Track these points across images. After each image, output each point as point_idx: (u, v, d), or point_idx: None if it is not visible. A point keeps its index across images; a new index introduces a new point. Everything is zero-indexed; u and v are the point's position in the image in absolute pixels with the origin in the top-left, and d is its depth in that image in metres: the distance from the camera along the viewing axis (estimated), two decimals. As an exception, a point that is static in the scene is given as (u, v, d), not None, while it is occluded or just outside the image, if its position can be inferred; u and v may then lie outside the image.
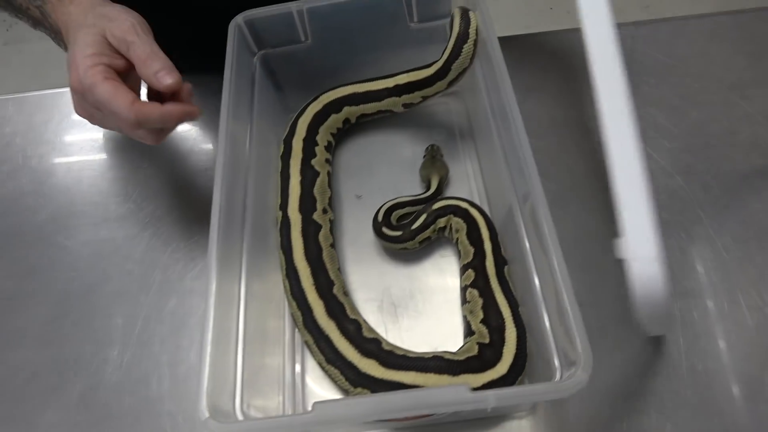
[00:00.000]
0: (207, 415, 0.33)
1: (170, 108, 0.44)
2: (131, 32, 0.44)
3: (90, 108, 0.45)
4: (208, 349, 0.35)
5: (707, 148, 0.54)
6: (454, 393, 0.32)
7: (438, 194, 0.53)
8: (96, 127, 0.49)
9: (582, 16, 0.41)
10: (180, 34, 0.56)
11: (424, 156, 0.55)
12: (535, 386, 0.33)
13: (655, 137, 0.55)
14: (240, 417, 0.36)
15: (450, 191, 0.54)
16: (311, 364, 0.46)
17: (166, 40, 0.46)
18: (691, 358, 0.44)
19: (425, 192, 0.53)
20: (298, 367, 0.46)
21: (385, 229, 0.50)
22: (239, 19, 0.52)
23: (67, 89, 0.46)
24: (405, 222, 0.50)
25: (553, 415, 0.42)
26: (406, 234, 0.49)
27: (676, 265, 0.48)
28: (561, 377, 0.33)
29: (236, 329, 0.41)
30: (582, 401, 0.43)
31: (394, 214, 0.51)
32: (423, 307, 0.49)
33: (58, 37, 0.51)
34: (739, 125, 0.55)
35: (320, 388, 0.45)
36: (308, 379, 0.46)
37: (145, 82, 0.45)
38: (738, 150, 0.53)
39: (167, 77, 0.43)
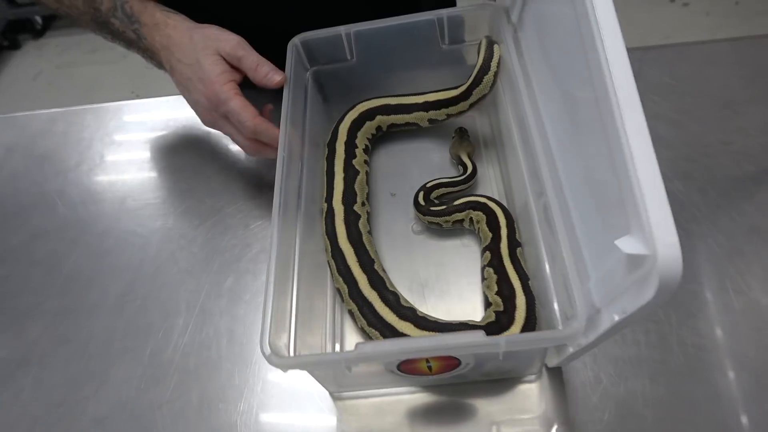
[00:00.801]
0: (269, 351, 0.40)
1: (276, 130, 0.55)
2: (239, 48, 0.56)
3: (218, 117, 0.57)
4: (270, 304, 0.43)
5: (704, 157, 0.61)
6: (471, 336, 0.39)
7: (470, 172, 0.60)
8: (161, 133, 0.59)
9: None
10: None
11: (453, 137, 0.64)
12: (538, 333, 0.39)
13: (657, 147, 0.61)
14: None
15: (475, 191, 0.62)
16: (349, 338, 0.54)
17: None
18: (682, 334, 0.50)
19: (460, 175, 0.61)
20: (337, 346, 0.54)
21: (425, 205, 0.58)
22: (296, 40, 0.61)
23: (130, 102, 0.56)
24: (443, 203, 0.58)
25: (557, 378, 0.49)
26: (446, 209, 0.57)
27: (672, 255, 0.54)
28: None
29: (291, 298, 0.48)
30: (584, 367, 0.49)
31: (434, 192, 0.60)
32: (447, 288, 0.56)
33: (153, 58, 0.61)
34: (732, 137, 0.61)
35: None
36: (346, 346, 0.53)
37: (258, 84, 0.57)
38: (731, 158, 0.60)
39: (276, 76, 0.56)
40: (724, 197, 0.58)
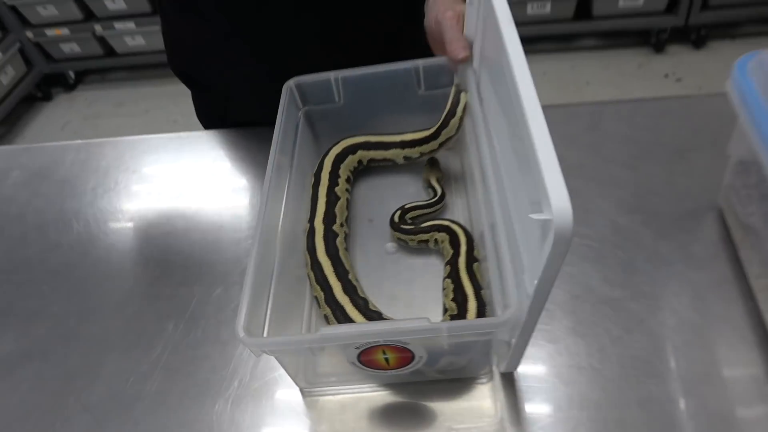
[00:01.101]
0: (242, 334, 0.46)
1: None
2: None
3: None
4: (248, 293, 0.49)
5: (651, 195, 0.67)
6: (417, 323, 0.44)
7: (439, 195, 0.68)
8: (172, 165, 0.66)
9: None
10: (246, 91, 0.75)
11: (425, 165, 0.72)
12: (476, 320, 0.45)
13: (610, 185, 0.69)
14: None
15: (445, 215, 0.69)
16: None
17: (241, 91, 0.64)
18: (620, 346, 0.55)
19: (431, 198, 0.68)
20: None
21: (398, 222, 0.66)
22: (291, 82, 0.70)
23: (145, 137, 0.64)
24: (413, 224, 0.66)
25: (507, 379, 0.54)
26: (413, 229, 0.65)
27: (617, 277, 0.60)
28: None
29: (268, 295, 0.54)
30: (532, 373, 0.54)
31: (409, 213, 0.67)
32: (413, 300, 0.62)
33: None
34: (677, 178, 0.68)
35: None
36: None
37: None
38: (675, 197, 0.67)
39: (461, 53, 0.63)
40: (665, 229, 0.64)
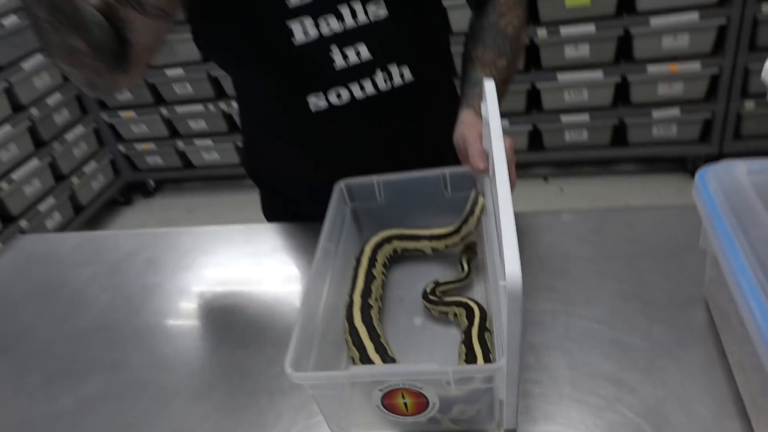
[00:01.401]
0: (289, 369, 0.58)
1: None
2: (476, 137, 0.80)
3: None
4: (295, 339, 0.61)
5: (646, 286, 0.77)
6: (426, 367, 0.55)
7: (465, 274, 0.80)
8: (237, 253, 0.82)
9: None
10: (304, 192, 0.92)
11: (466, 245, 0.85)
12: (476, 366, 0.55)
13: (611, 278, 0.79)
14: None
15: (470, 291, 0.81)
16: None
17: (300, 192, 0.81)
18: (614, 400, 0.63)
19: (459, 275, 0.81)
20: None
21: (428, 295, 0.78)
22: (342, 183, 0.86)
23: (221, 228, 0.80)
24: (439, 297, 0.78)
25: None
26: (437, 301, 0.77)
27: (613, 353, 0.69)
28: (496, 372, 0.56)
29: (310, 352, 0.66)
30: (533, 426, 0.62)
31: (440, 287, 0.79)
32: (435, 357, 0.72)
33: None
34: (670, 274, 0.78)
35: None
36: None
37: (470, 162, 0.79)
38: (667, 289, 0.76)
39: (481, 165, 0.76)
40: (658, 316, 0.73)
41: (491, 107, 0.71)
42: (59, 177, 2.87)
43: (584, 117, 2.56)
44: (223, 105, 2.87)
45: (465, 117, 0.86)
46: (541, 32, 2.39)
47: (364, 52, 0.88)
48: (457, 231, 0.82)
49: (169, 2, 0.80)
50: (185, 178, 3.25)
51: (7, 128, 2.57)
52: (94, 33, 0.75)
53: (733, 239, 0.54)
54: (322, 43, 0.86)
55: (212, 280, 0.95)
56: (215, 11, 0.86)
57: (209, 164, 3.09)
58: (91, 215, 2.97)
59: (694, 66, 2.34)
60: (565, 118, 2.58)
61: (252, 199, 1.17)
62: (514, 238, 0.46)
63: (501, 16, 0.94)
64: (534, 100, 2.61)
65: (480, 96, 0.86)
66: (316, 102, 0.90)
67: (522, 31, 0.96)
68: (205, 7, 0.86)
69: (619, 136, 2.62)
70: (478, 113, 0.84)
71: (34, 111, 2.71)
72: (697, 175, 0.64)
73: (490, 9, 0.95)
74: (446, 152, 0.89)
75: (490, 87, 0.74)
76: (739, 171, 0.61)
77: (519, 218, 0.91)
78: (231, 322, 0.85)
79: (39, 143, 2.77)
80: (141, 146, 3.08)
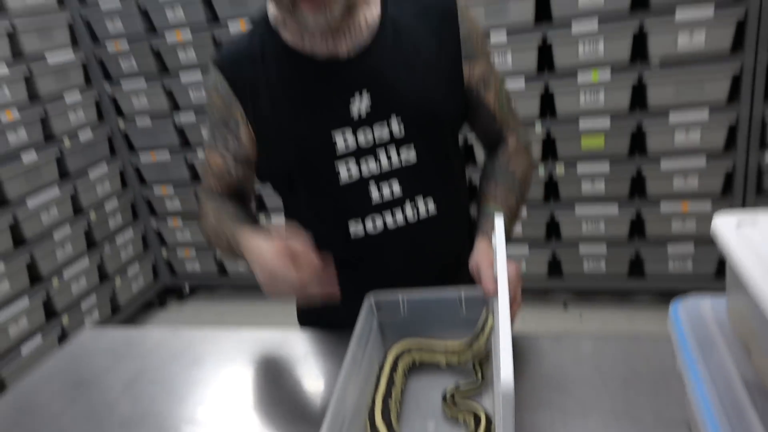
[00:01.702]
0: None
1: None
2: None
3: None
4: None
5: (637, 407, 0.86)
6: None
7: (480, 381, 0.90)
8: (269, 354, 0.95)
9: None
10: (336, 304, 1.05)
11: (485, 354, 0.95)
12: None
13: (606, 397, 0.89)
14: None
15: (483, 398, 0.90)
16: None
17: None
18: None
19: (475, 380, 0.91)
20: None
21: (446, 396, 0.88)
22: (371, 296, 1.00)
23: (257, 331, 0.94)
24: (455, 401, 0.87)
25: None
26: (451, 406, 0.87)
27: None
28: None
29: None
30: None
31: (457, 391, 0.89)
32: (443, 467, 0.80)
33: None
34: (660, 397, 0.87)
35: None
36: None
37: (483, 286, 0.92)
38: (657, 411, 0.85)
39: (491, 289, 0.90)
40: (640, 425, 0.81)
41: (499, 239, 0.86)
42: (104, 277, 3.07)
43: (602, 248, 2.69)
44: (261, 218, 3.10)
45: (480, 245, 1.00)
46: (560, 168, 2.60)
47: (396, 188, 1.05)
48: (467, 347, 0.94)
49: (251, 153, 1.10)
50: (218, 284, 3.42)
51: (66, 229, 2.82)
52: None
53: (696, 364, 0.65)
54: (363, 181, 1.04)
55: (250, 381, 1.07)
56: (278, 154, 1.06)
57: (242, 273, 3.27)
58: (127, 315, 3.12)
59: (705, 206, 2.49)
60: (584, 249, 2.71)
61: (278, 308, 1.30)
62: (509, 348, 0.58)
63: (509, 159, 1.13)
64: (553, 228, 2.77)
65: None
66: (355, 230, 1.06)
67: (529, 175, 1.15)
68: (270, 150, 1.06)
69: (637, 267, 2.73)
70: (491, 242, 0.99)
71: (92, 214, 2.97)
72: (671, 307, 0.76)
73: (500, 152, 1.15)
74: (460, 270, 1.03)
75: (498, 222, 0.90)
76: (703, 306, 0.73)
77: (526, 340, 1.03)
78: (264, 415, 0.95)
79: (91, 243, 3.00)
80: (183, 252, 3.29)
